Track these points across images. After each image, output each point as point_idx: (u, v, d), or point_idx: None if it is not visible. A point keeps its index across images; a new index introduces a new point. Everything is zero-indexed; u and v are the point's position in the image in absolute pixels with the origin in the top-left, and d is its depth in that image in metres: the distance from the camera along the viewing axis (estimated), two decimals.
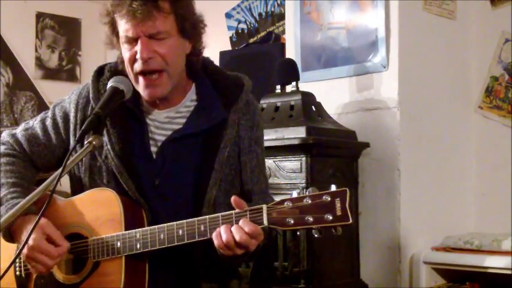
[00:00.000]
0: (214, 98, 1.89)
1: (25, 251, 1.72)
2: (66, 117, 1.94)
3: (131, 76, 1.82)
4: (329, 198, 1.55)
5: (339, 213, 1.54)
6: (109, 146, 1.84)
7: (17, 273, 1.89)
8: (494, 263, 2.92)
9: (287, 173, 2.95)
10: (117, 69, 1.91)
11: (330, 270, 3.01)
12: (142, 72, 1.79)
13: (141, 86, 1.81)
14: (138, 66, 1.79)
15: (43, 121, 1.98)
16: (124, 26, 1.78)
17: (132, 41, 1.78)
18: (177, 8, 1.79)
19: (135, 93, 1.87)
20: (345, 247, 3.08)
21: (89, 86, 1.94)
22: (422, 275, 3.11)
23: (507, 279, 2.91)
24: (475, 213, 3.45)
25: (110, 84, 1.76)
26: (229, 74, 1.97)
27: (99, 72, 1.94)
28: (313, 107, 3.14)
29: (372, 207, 3.19)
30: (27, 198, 1.59)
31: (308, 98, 3.13)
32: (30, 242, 1.71)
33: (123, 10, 1.76)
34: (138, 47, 1.77)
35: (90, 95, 1.91)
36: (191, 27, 1.84)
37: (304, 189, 2.84)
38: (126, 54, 1.81)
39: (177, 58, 1.83)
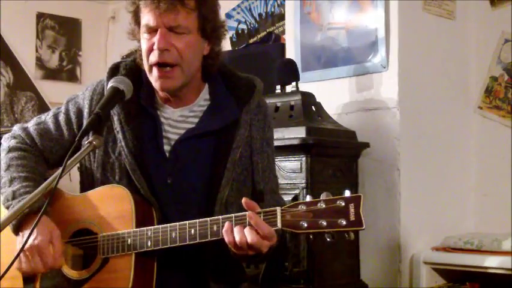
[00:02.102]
0: (227, 98, 1.91)
1: (27, 245, 1.72)
2: (79, 112, 1.95)
3: (146, 67, 1.84)
4: (343, 203, 1.57)
5: (352, 218, 1.55)
6: (123, 143, 1.84)
7: None
8: (494, 263, 2.92)
9: (287, 173, 2.96)
10: (132, 67, 1.93)
11: (330, 270, 3.01)
12: (157, 64, 1.80)
13: (154, 77, 1.83)
14: (153, 57, 1.80)
15: (56, 116, 1.98)
16: (146, 16, 1.80)
17: (151, 31, 1.80)
18: (201, 7, 1.82)
19: (150, 91, 1.89)
20: (345, 247, 3.08)
21: (103, 83, 1.95)
22: (423, 275, 3.11)
23: (507, 279, 2.92)
24: (475, 213, 3.45)
25: (109, 84, 1.77)
26: (241, 75, 1.98)
27: (114, 69, 1.95)
28: (313, 107, 3.14)
29: (372, 207, 3.18)
30: (28, 198, 1.58)
31: (308, 98, 3.14)
32: (37, 240, 1.71)
33: None
34: (156, 38, 1.79)
35: (105, 92, 1.92)
36: (212, 29, 1.87)
37: (304, 190, 2.88)
38: (144, 45, 1.83)
39: (193, 56, 1.84)
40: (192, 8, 1.80)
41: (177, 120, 1.89)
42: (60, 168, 1.55)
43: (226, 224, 1.64)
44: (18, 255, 1.56)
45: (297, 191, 2.90)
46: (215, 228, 1.65)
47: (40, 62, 4.87)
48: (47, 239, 1.73)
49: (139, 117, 1.88)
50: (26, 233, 1.76)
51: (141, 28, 1.84)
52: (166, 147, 1.87)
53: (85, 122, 1.91)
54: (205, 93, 1.93)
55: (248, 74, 1.99)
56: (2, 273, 1.48)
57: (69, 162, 1.59)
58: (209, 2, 1.86)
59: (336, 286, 3.03)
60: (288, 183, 2.93)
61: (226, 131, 1.86)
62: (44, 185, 1.57)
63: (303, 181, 2.90)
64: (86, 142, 1.65)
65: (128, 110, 1.85)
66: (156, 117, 1.89)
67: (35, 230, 1.72)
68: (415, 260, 3.13)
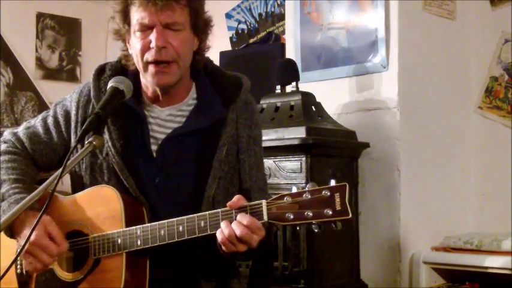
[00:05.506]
0: (214, 97, 1.91)
1: (26, 246, 1.72)
2: (67, 115, 1.95)
3: (140, 66, 1.84)
4: (328, 193, 1.55)
5: (338, 208, 1.54)
6: (110, 144, 1.85)
7: (18, 271, 1.89)
8: (494, 263, 2.92)
9: (287, 173, 2.96)
10: (118, 68, 1.93)
11: (330, 270, 3.01)
12: (154, 61, 1.80)
13: (150, 74, 1.83)
14: (150, 55, 1.80)
15: (44, 120, 1.99)
16: (140, 14, 1.79)
17: (146, 29, 1.80)
18: (193, 3, 1.84)
19: (137, 91, 1.88)
20: (345, 247, 3.09)
21: (90, 85, 1.95)
22: (422, 275, 3.11)
23: (507, 279, 2.92)
24: (475, 213, 3.45)
25: (110, 84, 1.77)
26: (228, 73, 1.99)
27: (100, 71, 1.96)
28: (313, 107, 3.14)
29: (372, 207, 3.19)
30: (29, 197, 1.59)
31: (308, 98, 3.14)
32: (32, 237, 1.70)
33: None
34: (153, 35, 1.78)
35: (91, 94, 1.92)
36: (203, 24, 1.88)
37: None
38: (137, 44, 1.81)
39: (188, 52, 1.86)
40: (184, 4, 1.81)
41: (165, 120, 1.90)
42: (60, 169, 1.56)
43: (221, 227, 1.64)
44: (18, 256, 1.55)
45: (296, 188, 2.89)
46: (202, 224, 1.66)
47: (40, 62, 4.87)
48: (41, 231, 1.72)
49: (125, 117, 1.88)
50: (22, 234, 1.76)
51: (133, 26, 1.83)
52: (154, 147, 1.88)
53: (73, 125, 1.93)
54: (193, 92, 1.94)
55: (236, 73, 1.99)
56: (1, 275, 1.49)
57: (69, 162, 1.59)
58: None
59: (336, 286, 3.03)
60: (288, 183, 2.93)
61: (213, 129, 1.87)
62: (44, 184, 1.57)
63: (303, 181, 2.89)
64: (86, 142, 1.66)
65: (114, 111, 1.83)
66: (143, 117, 1.89)
67: (26, 230, 1.73)
68: (415, 260, 3.13)
